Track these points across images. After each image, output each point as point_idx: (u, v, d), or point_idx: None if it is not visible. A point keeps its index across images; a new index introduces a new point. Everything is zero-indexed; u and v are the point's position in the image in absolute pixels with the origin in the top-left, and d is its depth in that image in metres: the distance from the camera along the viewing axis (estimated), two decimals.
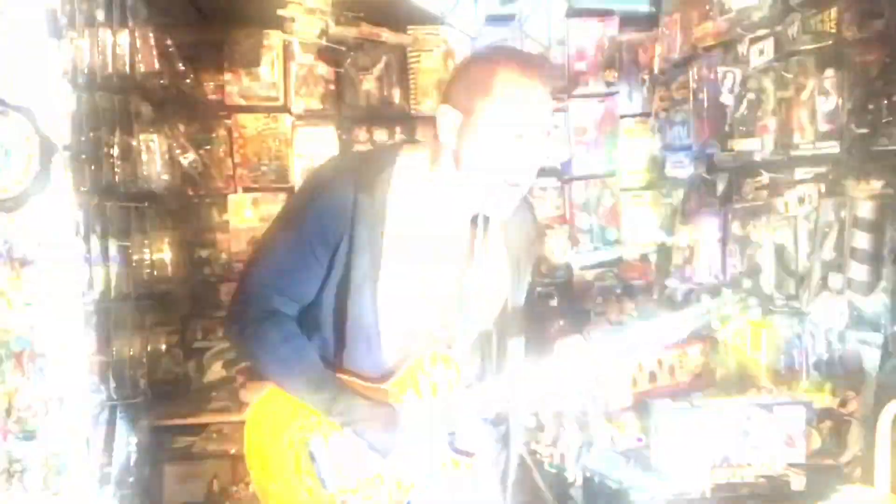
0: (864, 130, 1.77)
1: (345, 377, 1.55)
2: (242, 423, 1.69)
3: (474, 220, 1.59)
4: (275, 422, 1.61)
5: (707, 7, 2.50)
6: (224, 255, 3.18)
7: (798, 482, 1.84)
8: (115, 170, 2.43)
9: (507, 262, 1.63)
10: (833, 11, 1.86)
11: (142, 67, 2.47)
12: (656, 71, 3.10)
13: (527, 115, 1.43)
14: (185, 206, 3.09)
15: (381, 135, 3.24)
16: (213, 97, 3.20)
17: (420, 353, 1.56)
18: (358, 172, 1.53)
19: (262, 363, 1.62)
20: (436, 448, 1.56)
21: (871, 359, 1.88)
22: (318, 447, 1.56)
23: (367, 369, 1.56)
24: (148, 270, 2.62)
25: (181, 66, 2.84)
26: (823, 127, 1.92)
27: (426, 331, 1.59)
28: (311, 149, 3.20)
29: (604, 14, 3.24)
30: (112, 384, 2.39)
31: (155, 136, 2.59)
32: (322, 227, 1.49)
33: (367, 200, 1.49)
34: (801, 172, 2.09)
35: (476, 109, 1.44)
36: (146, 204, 2.64)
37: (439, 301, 1.58)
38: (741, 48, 2.30)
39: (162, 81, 2.59)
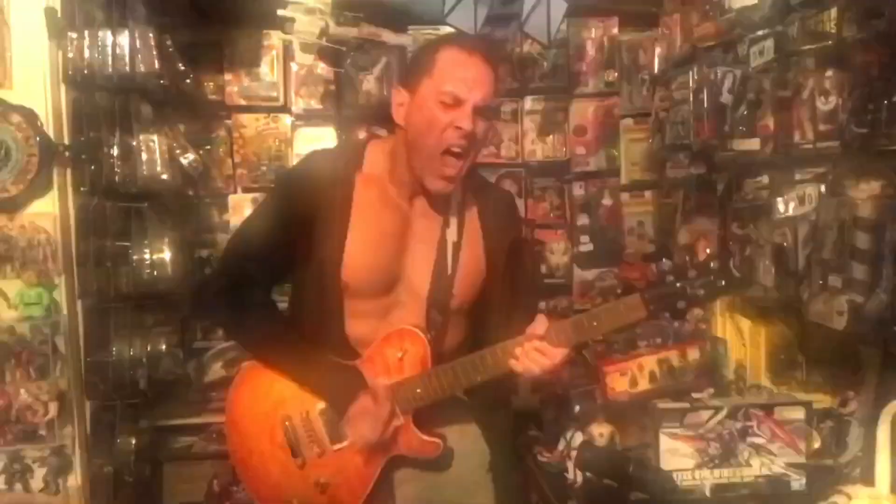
0: (864, 130, 1.76)
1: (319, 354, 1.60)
2: None
3: (447, 203, 1.64)
4: (254, 394, 1.67)
5: (707, 7, 2.49)
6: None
7: (798, 482, 1.85)
8: (115, 170, 2.43)
9: (483, 245, 1.67)
10: (833, 11, 1.85)
11: (142, 67, 2.46)
12: (656, 71, 3.10)
13: (463, 86, 1.49)
14: (185, 206, 3.09)
15: (381, 134, 3.23)
16: (213, 97, 3.20)
17: (390, 331, 1.60)
18: (330, 156, 1.68)
19: (230, 328, 1.78)
20: (396, 427, 1.57)
21: (871, 359, 1.88)
22: (292, 419, 1.60)
23: (339, 348, 1.61)
24: (148, 270, 2.61)
25: (181, 66, 2.84)
26: (823, 127, 1.91)
27: (396, 310, 1.62)
28: (311, 149, 3.20)
29: (604, 14, 3.24)
30: (112, 384, 2.39)
31: (155, 136, 2.59)
32: (291, 202, 1.61)
33: (334, 178, 1.59)
34: (801, 172, 2.08)
35: (420, 87, 1.53)
36: (146, 204, 2.64)
37: (410, 280, 1.63)
38: (741, 48, 2.30)
39: (162, 81, 2.59)
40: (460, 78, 1.50)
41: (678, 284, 1.50)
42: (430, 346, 1.59)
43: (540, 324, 1.52)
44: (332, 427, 1.59)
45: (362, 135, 3.22)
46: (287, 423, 1.61)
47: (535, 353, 1.50)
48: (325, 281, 1.59)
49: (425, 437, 1.60)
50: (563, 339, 1.51)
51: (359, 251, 1.58)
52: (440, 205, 1.65)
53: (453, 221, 1.65)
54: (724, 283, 1.50)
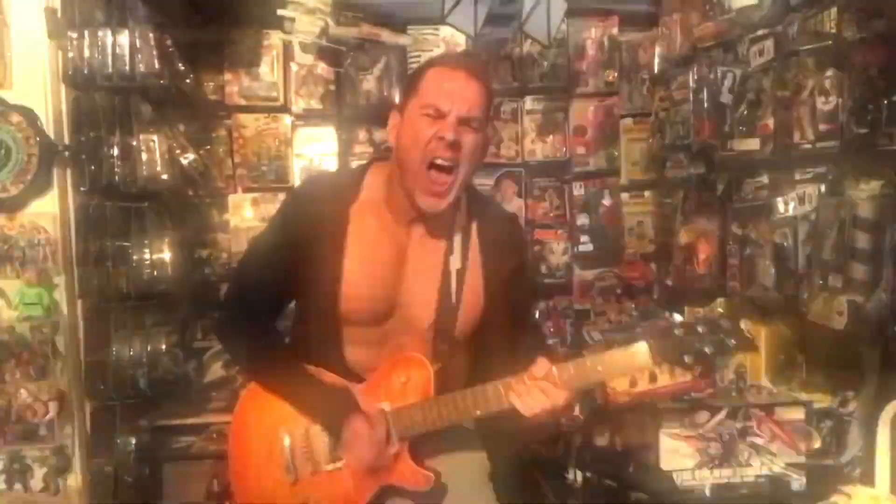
0: (864, 130, 1.76)
1: (323, 373, 1.61)
2: None
3: (450, 228, 1.63)
4: (259, 405, 1.68)
5: (707, 7, 2.49)
6: (224, 255, 3.18)
7: (798, 482, 1.85)
8: (115, 170, 2.43)
9: (483, 273, 1.65)
10: (833, 11, 1.85)
11: (142, 67, 2.46)
12: (656, 71, 3.10)
13: (446, 98, 1.51)
14: (185, 206, 3.09)
15: (381, 135, 3.23)
16: (213, 97, 3.19)
17: (397, 357, 1.59)
18: (326, 185, 1.68)
19: (238, 359, 1.81)
20: (392, 454, 1.55)
21: (871, 359, 1.88)
22: (291, 434, 1.61)
23: (341, 373, 1.61)
24: (148, 270, 2.61)
25: (181, 66, 2.84)
26: (823, 127, 1.92)
27: (397, 337, 1.61)
28: (311, 149, 3.21)
29: (604, 14, 3.24)
30: (112, 384, 2.39)
31: (155, 136, 2.59)
32: (289, 232, 1.62)
33: (329, 208, 1.60)
34: (801, 172, 2.09)
35: (408, 106, 1.56)
36: (146, 204, 2.64)
37: (412, 308, 1.61)
38: (741, 48, 2.30)
39: (162, 81, 2.59)
40: (443, 90, 1.51)
41: (687, 338, 1.46)
42: (435, 375, 1.58)
43: (542, 364, 1.48)
44: (329, 447, 1.59)
45: (363, 135, 3.24)
46: (286, 437, 1.61)
47: (537, 392, 1.46)
48: (323, 309, 1.60)
49: (418, 469, 1.58)
50: (565, 382, 1.47)
51: (356, 280, 1.58)
52: (442, 231, 1.63)
53: (457, 248, 1.63)
54: (734, 343, 1.46)
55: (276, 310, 1.71)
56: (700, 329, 1.45)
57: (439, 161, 1.50)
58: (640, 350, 1.46)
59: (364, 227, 1.60)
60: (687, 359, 1.45)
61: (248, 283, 1.69)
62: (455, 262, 1.62)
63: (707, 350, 1.44)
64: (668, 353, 1.45)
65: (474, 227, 1.66)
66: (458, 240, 1.63)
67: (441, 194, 1.53)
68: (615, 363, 1.49)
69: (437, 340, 1.61)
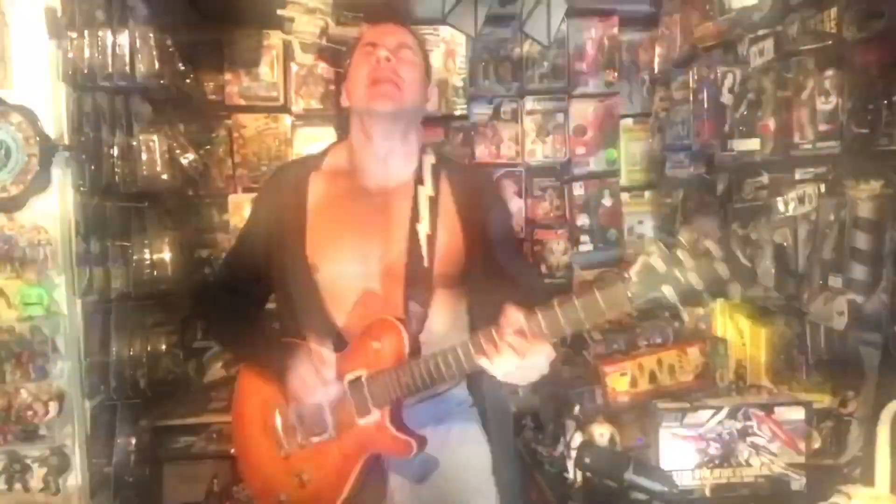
0: (864, 130, 1.77)
1: (310, 343, 1.60)
2: None
3: (414, 191, 1.66)
4: (252, 387, 1.71)
5: (707, 7, 2.50)
6: (224, 256, 3.18)
7: (798, 482, 1.85)
8: (115, 170, 2.43)
9: (459, 226, 1.67)
10: (833, 11, 1.86)
11: (142, 67, 2.46)
12: (656, 71, 3.10)
13: (380, 34, 1.69)
14: (185, 206, 3.09)
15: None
16: (213, 97, 3.20)
17: (371, 322, 1.58)
18: (288, 164, 1.83)
19: (209, 325, 1.97)
20: (372, 422, 1.55)
21: (871, 359, 1.88)
22: (280, 411, 1.63)
23: (329, 341, 1.60)
24: (148, 270, 2.61)
25: (181, 66, 2.84)
26: (823, 127, 1.92)
27: (375, 299, 1.62)
28: (311, 149, 3.20)
29: (604, 14, 3.24)
30: (112, 384, 2.39)
31: (155, 136, 2.59)
32: (259, 209, 1.78)
33: (290, 183, 1.71)
34: (801, 172, 2.09)
35: (350, 65, 1.71)
36: (146, 204, 2.64)
37: (384, 269, 1.63)
38: (741, 48, 2.30)
39: (162, 81, 2.59)
40: (375, 32, 1.70)
41: (666, 268, 1.24)
42: (408, 337, 1.53)
43: (511, 317, 1.37)
44: (315, 420, 1.59)
45: None
46: (277, 413, 1.63)
47: (506, 349, 1.36)
48: (297, 277, 1.63)
49: (399, 435, 1.53)
50: (536, 334, 1.36)
51: (319, 243, 1.63)
52: (406, 195, 1.66)
53: (424, 212, 1.63)
54: (725, 271, 1.22)
55: (255, 284, 1.74)
56: (681, 255, 1.22)
57: (381, 74, 1.61)
58: (617, 294, 1.29)
59: (325, 192, 1.68)
60: (666, 291, 1.23)
61: (228, 261, 1.84)
62: (424, 227, 1.62)
63: (696, 283, 1.22)
64: (644, 287, 1.26)
65: (444, 187, 1.68)
66: (424, 204, 1.64)
67: (390, 97, 1.60)
68: (588, 306, 1.34)
69: (409, 301, 1.60)
